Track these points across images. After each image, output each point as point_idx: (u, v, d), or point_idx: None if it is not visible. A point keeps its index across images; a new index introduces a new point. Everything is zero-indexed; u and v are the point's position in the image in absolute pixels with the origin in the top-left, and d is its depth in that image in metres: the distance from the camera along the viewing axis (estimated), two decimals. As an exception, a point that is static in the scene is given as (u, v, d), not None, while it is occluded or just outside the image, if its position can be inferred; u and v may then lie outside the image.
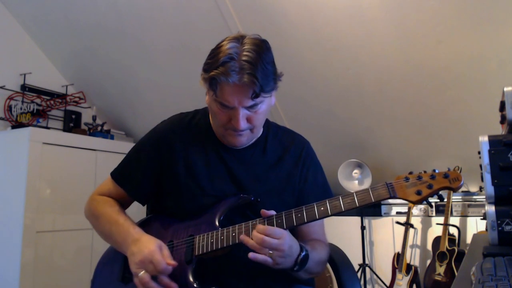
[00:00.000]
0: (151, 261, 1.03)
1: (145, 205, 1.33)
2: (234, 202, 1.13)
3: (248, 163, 1.19)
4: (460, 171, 2.62)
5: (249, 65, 1.00)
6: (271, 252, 0.97)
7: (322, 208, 1.00)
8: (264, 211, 1.04)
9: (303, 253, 1.03)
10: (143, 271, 1.04)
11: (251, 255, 0.98)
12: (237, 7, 2.36)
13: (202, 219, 1.13)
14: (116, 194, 1.26)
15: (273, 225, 1.02)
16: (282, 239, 0.98)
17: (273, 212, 1.04)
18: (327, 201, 1.00)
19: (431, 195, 0.95)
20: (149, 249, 1.05)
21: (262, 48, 1.05)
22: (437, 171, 0.96)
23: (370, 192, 0.97)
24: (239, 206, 1.14)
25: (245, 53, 1.01)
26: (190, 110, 1.32)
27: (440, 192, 0.97)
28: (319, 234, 1.22)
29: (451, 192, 2.78)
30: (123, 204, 1.27)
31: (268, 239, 0.97)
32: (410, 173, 0.98)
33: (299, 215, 1.01)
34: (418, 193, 0.94)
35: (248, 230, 1.04)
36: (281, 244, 0.97)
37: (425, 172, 0.97)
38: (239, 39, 1.05)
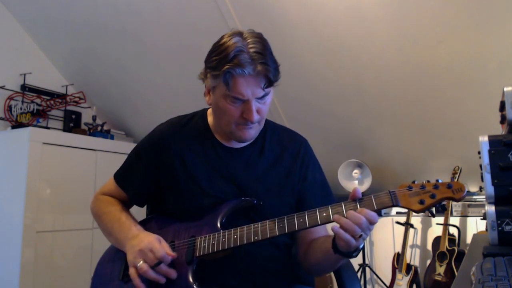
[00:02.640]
0: (151, 249, 1.06)
1: (144, 206, 1.34)
2: (236, 204, 1.13)
3: (246, 162, 1.19)
4: (460, 171, 2.62)
5: (259, 55, 1.03)
6: (361, 234, 0.94)
7: (324, 214, 1.00)
8: (355, 191, 1.01)
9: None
10: (142, 261, 1.05)
11: (335, 229, 0.96)
12: (237, 7, 2.36)
13: (204, 220, 1.13)
14: (118, 195, 1.29)
15: (274, 228, 1.02)
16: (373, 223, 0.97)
17: (360, 195, 1.01)
18: (329, 207, 1.00)
19: (434, 205, 0.95)
20: (148, 240, 1.08)
21: (263, 39, 1.08)
22: (440, 181, 0.96)
23: (373, 199, 0.97)
24: (241, 208, 1.14)
25: (251, 45, 1.03)
26: (190, 109, 1.32)
27: (445, 205, 0.97)
28: (325, 231, 1.22)
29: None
30: (126, 204, 1.30)
31: (365, 221, 0.94)
32: (413, 182, 0.98)
33: (301, 220, 1.01)
34: (421, 202, 0.94)
35: (249, 232, 1.04)
36: (371, 228, 0.96)
37: (428, 181, 0.97)
38: (239, 34, 1.07)
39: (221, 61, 1.03)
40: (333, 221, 0.99)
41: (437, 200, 0.94)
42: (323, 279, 2.83)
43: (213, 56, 1.06)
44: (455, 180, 2.55)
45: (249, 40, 1.04)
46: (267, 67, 1.03)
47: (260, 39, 1.07)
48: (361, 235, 0.94)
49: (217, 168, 1.18)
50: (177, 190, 1.18)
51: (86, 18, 2.77)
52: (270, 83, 1.05)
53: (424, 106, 2.52)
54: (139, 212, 1.37)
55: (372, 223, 0.95)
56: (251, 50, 1.03)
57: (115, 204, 1.26)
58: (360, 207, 0.97)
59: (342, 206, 0.99)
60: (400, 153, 2.88)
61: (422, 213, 2.99)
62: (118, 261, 1.19)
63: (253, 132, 1.14)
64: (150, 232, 1.14)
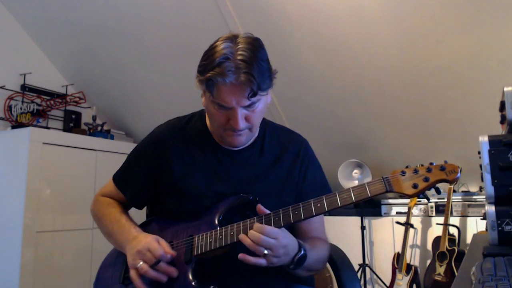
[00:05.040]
0: (149, 249, 1.06)
1: (143, 209, 1.34)
2: (233, 201, 1.14)
3: (246, 163, 1.19)
4: (460, 171, 2.62)
5: (245, 64, 0.99)
6: (266, 252, 0.96)
7: (318, 205, 1.00)
8: (260, 208, 1.04)
9: (301, 253, 1.03)
10: (141, 262, 1.05)
11: (240, 256, 0.97)
12: (237, 7, 2.36)
13: (202, 219, 1.14)
14: (117, 197, 1.29)
15: (270, 223, 1.02)
16: (278, 239, 0.98)
17: (267, 211, 1.04)
18: (323, 197, 1.00)
19: (428, 188, 0.95)
20: (146, 240, 1.08)
21: (256, 46, 1.04)
22: (434, 164, 0.95)
23: (367, 187, 0.97)
24: (238, 205, 1.14)
25: (239, 52, 1.01)
26: (190, 109, 1.32)
27: (440, 189, 0.97)
28: (319, 232, 1.22)
29: (451, 191, 2.79)
30: (125, 206, 1.30)
31: (264, 238, 0.96)
32: (407, 167, 0.98)
33: (296, 212, 1.01)
34: (415, 186, 0.94)
35: (246, 228, 1.04)
36: (277, 244, 0.97)
37: (422, 165, 0.97)
38: (232, 38, 1.04)
39: (206, 67, 1.02)
40: (328, 211, 1.00)
41: (431, 183, 0.94)
42: (323, 279, 2.83)
43: (202, 61, 1.05)
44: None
45: (239, 47, 1.01)
46: (250, 77, 0.98)
47: (251, 45, 1.03)
48: (266, 253, 0.96)
49: (216, 170, 1.18)
50: (176, 191, 1.18)
51: (86, 18, 2.77)
52: (254, 93, 1.02)
53: (424, 106, 2.52)
54: (139, 212, 1.37)
55: (270, 236, 0.96)
56: (238, 58, 1.00)
57: (115, 206, 1.26)
58: (354, 195, 0.97)
59: (336, 196, 0.99)
60: (400, 153, 2.88)
61: (421, 206, 2.99)
62: (118, 265, 1.20)
63: (243, 138, 1.13)
64: (149, 234, 1.14)
